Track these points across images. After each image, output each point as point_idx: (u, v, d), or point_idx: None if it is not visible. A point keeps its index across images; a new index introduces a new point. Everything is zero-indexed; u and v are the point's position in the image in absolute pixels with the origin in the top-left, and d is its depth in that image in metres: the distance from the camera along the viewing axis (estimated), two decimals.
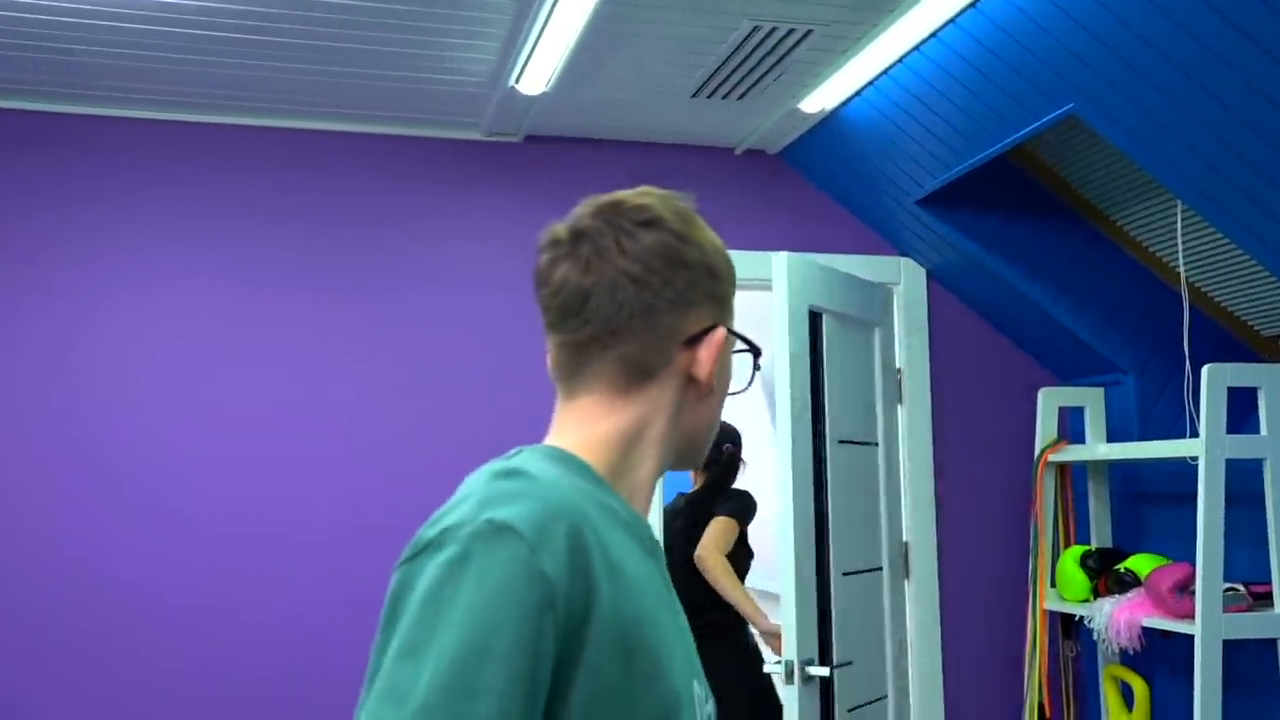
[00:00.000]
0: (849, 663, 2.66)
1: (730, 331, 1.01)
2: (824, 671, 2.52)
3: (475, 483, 0.91)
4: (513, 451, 0.96)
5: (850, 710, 2.77)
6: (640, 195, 1.00)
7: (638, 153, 3.04)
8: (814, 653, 2.54)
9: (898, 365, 3.16)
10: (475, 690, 0.78)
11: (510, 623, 0.80)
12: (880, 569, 3.02)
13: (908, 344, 3.16)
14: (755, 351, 1.05)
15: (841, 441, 2.86)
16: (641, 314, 0.96)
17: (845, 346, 2.91)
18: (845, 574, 2.77)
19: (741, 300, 1.13)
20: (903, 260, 3.19)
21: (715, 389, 1.00)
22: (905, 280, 3.19)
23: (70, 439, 2.63)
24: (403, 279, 2.87)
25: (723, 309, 1.01)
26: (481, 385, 2.87)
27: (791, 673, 2.49)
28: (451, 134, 2.93)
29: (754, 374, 1.07)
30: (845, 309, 2.91)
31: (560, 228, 0.99)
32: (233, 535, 2.69)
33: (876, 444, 3.06)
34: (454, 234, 2.92)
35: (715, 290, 1.00)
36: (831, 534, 2.74)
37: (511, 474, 0.90)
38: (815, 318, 2.79)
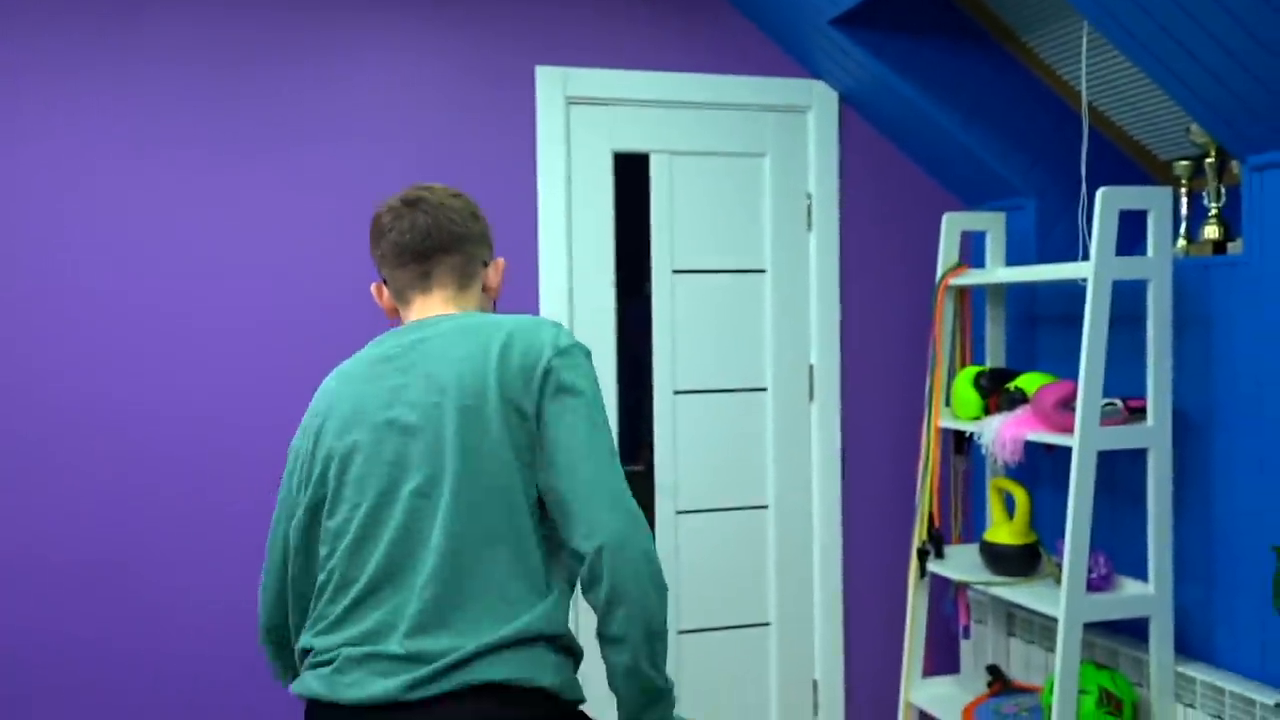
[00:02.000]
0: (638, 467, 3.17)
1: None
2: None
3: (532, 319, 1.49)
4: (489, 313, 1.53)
5: (682, 512, 3.11)
6: (444, 188, 1.59)
7: None
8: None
9: (808, 190, 3.18)
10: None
11: None
12: (764, 389, 3.16)
13: (817, 169, 3.17)
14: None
15: (678, 271, 3.08)
16: (459, 240, 1.56)
17: (705, 180, 3.10)
18: (678, 392, 3.10)
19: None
20: (815, 83, 3.16)
21: (495, 294, 1.63)
22: (817, 104, 3.16)
23: None
24: (306, 125, 2.77)
25: (493, 249, 1.64)
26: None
27: None
28: None
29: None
30: (697, 145, 3.07)
31: (397, 200, 1.56)
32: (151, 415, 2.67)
33: (762, 271, 3.15)
34: (361, 73, 2.81)
35: (490, 239, 1.63)
36: (657, 359, 3.10)
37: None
38: (634, 159, 3.09)
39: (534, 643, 1.35)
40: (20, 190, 2.59)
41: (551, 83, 2.93)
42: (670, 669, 3.10)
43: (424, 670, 1.30)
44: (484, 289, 1.60)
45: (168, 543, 2.70)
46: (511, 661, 1.32)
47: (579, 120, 2.98)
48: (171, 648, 2.70)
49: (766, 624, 3.19)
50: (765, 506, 3.18)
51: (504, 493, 1.37)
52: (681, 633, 3.11)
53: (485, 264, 1.60)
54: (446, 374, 1.42)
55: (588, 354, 1.47)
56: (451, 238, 1.54)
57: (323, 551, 1.46)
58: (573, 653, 1.42)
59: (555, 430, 1.38)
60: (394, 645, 1.33)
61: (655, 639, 1.35)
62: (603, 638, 1.35)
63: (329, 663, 1.38)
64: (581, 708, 1.38)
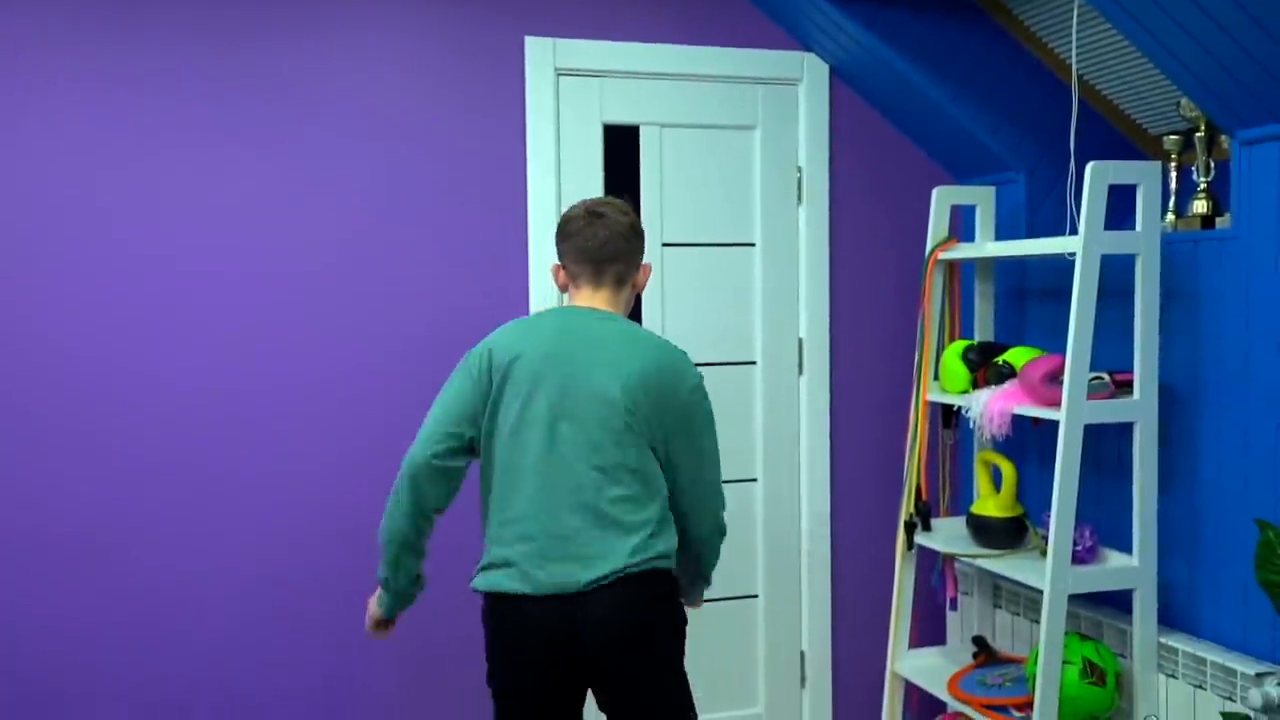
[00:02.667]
0: None
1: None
2: None
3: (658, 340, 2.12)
4: (630, 322, 2.13)
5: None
6: (619, 201, 2.17)
7: None
8: None
9: (798, 164, 3.17)
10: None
11: None
12: (753, 363, 3.16)
13: (808, 142, 3.16)
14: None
15: (667, 245, 3.05)
16: (625, 253, 2.13)
17: (695, 153, 3.07)
18: None
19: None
20: (806, 56, 3.14)
21: (640, 289, 2.22)
22: (808, 76, 3.15)
23: None
24: (303, 100, 2.74)
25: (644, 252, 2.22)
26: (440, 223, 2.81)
27: None
28: None
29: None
30: (687, 118, 3.05)
31: (584, 210, 2.13)
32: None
33: (752, 245, 3.14)
34: (358, 48, 2.78)
35: (644, 247, 2.18)
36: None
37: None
38: (624, 132, 3.02)
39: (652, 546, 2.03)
40: (17, 166, 2.57)
41: (541, 54, 2.91)
42: None
43: (596, 573, 1.98)
44: (633, 285, 2.18)
45: (167, 523, 2.70)
46: (643, 561, 2.01)
47: (568, 91, 2.96)
48: (171, 626, 2.71)
49: (754, 596, 3.21)
50: (754, 480, 3.19)
51: (619, 456, 1.99)
52: None
53: (638, 267, 2.18)
54: (614, 369, 2.01)
55: (701, 380, 2.11)
56: (620, 251, 2.11)
57: (501, 475, 2.04)
58: (670, 554, 2.07)
59: (680, 450, 2.08)
60: (575, 550, 2.00)
61: (712, 562, 2.24)
62: (686, 550, 2.18)
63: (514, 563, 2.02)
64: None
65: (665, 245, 3.07)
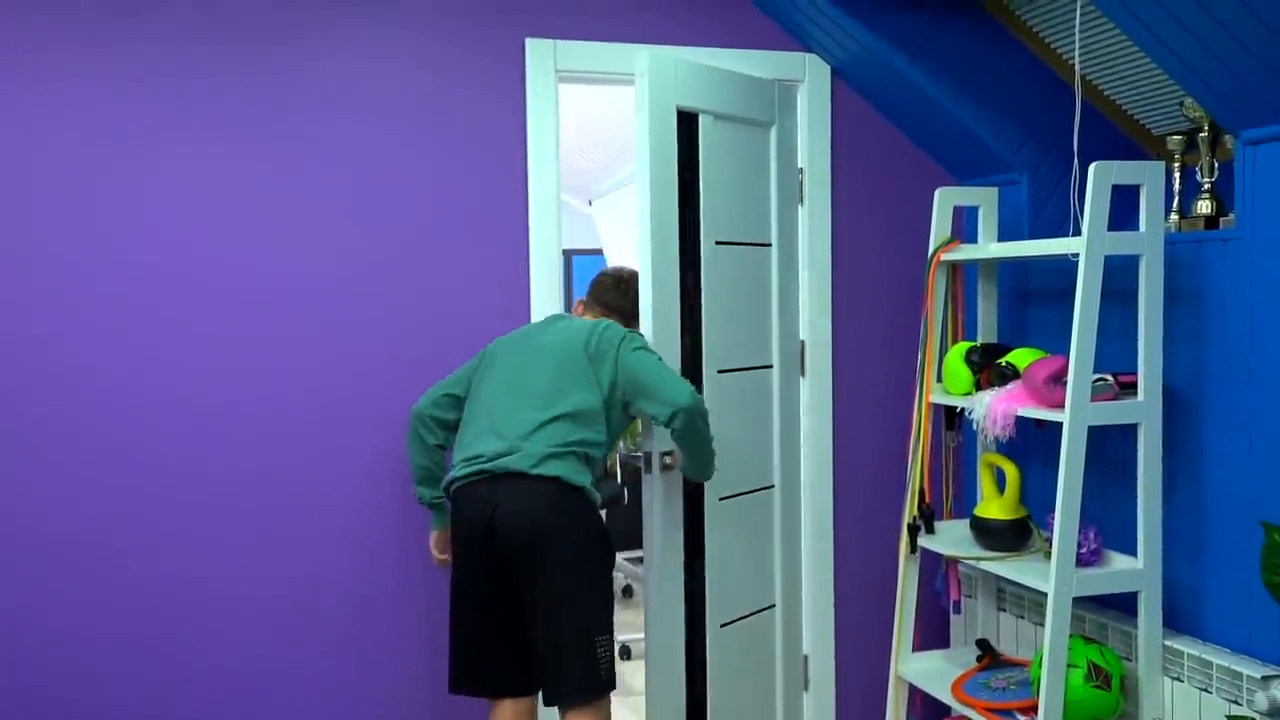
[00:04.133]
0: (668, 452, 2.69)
1: None
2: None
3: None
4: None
5: (724, 499, 2.91)
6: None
7: None
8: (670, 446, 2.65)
9: (799, 164, 3.15)
10: None
11: None
12: (770, 366, 3.09)
13: (809, 143, 3.14)
14: None
15: (719, 243, 2.88)
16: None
17: (733, 147, 2.90)
18: (720, 371, 2.89)
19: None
20: (808, 56, 3.13)
21: None
22: (810, 77, 3.14)
23: None
24: (304, 101, 2.74)
25: None
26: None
27: (649, 462, 2.67)
28: None
29: None
30: (732, 109, 2.88)
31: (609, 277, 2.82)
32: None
33: (769, 245, 3.08)
34: (361, 48, 2.77)
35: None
36: (707, 333, 2.86)
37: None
38: (690, 118, 2.78)
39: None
40: (16, 165, 2.56)
41: (542, 55, 2.90)
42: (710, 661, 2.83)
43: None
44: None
45: (169, 527, 2.69)
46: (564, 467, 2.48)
47: (653, 73, 2.68)
48: (173, 631, 2.70)
49: (772, 606, 3.11)
50: (772, 487, 3.11)
51: (569, 397, 2.50)
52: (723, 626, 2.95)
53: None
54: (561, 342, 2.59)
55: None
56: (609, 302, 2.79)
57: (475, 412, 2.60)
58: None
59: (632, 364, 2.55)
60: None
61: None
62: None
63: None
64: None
65: (719, 244, 2.87)
